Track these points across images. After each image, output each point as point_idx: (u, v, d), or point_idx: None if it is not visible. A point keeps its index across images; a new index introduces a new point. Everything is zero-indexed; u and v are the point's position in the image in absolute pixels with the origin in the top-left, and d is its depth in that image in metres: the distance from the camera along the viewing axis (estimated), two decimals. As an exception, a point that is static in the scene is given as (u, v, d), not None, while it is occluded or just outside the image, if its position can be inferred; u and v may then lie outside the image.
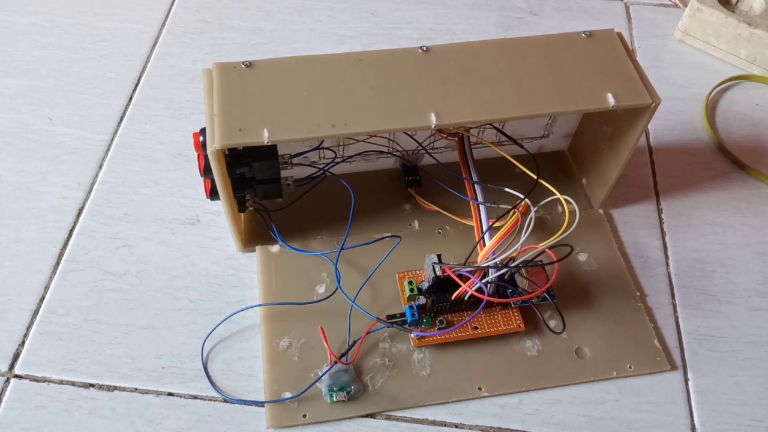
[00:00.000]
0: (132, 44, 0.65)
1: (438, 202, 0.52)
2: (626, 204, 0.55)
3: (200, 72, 0.62)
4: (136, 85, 0.62)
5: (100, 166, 0.55)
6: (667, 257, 0.52)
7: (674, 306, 0.49)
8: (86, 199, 0.53)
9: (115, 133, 0.58)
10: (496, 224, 0.45)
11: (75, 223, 0.52)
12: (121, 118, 0.59)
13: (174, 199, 0.53)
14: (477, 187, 0.46)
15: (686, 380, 0.45)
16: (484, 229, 0.45)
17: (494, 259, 0.42)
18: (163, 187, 0.54)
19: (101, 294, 0.48)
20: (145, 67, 0.63)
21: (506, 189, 0.46)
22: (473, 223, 0.46)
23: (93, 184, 0.54)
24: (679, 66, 0.67)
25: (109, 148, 0.57)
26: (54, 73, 0.62)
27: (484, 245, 0.44)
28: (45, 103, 0.60)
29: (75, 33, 0.66)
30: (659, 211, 0.55)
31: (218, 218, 0.52)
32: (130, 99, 0.61)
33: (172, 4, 0.70)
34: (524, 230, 0.42)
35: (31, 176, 0.54)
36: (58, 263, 0.49)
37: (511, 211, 0.46)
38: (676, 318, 0.48)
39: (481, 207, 0.45)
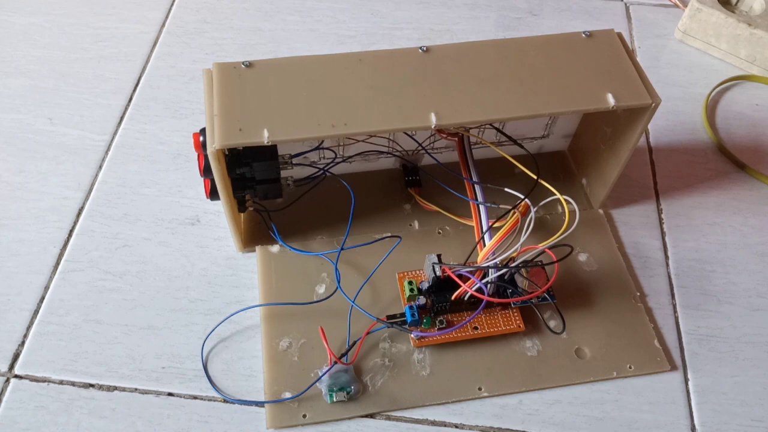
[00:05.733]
0: (132, 44, 0.65)
1: (438, 202, 0.52)
2: (626, 204, 0.55)
3: (200, 72, 0.62)
4: (136, 85, 0.62)
5: (100, 167, 0.55)
6: (667, 257, 0.52)
7: (674, 306, 0.49)
8: (86, 199, 0.53)
9: (115, 134, 0.58)
10: (496, 224, 0.45)
11: (75, 223, 0.52)
12: (121, 118, 0.59)
13: (174, 199, 0.53)
14: (477, 187, 0.46)
15: (686, 380, 0.45)
16: (484, 229, 0.45)
17: (494, 259, 0.42)
18: (163, 188, 0.54)
19: (101, 294, 0.48)
20: (145, 67, 0.63)
21: (506, 189, 0.46)
22: (473, 223, 0.46)
23: (93, 184, 0.54)
24: (679, 66, 0.67)
25: (109, 149, 0.57)
26: (54, 73, 0.62)
27: (484, 245, 0.44)
28: (45, 103, 0.60)
29: (75, 33, 0.66)
30: (659, 211, 0.55)
31: (218, 218, 0.52)
32: (130, 99, 0.61)
33: (172, 4, 0.70)
34: (524, 230, 0.42)
35: (31, 176, 0.54)
36: (58, 263, 0.49)
37: (511, 211, 0.46)
38: (676, 318, 0.48)
39: (481, 207, 0.45)
